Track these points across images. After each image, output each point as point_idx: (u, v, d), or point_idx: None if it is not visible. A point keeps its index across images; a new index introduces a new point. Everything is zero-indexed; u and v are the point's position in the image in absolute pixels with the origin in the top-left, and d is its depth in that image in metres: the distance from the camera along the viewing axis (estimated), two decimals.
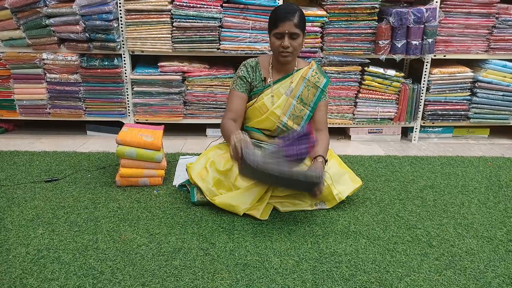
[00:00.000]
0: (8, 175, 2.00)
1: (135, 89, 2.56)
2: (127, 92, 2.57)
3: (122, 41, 2.48)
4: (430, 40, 2.51)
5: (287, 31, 1.68)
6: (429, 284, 1.29)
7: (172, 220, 1.62)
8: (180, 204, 1.75)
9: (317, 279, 1.29)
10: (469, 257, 1.44)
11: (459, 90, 2.67)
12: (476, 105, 2.69)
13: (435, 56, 2.60)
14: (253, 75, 1.83)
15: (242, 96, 1.82)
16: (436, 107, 2.70)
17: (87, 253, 1.39)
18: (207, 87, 2.58)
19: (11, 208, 1.68)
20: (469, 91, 2.68)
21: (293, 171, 1.49)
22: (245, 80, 1.82)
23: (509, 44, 2.61)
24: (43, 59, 2.46)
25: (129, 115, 2.63)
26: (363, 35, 2.53)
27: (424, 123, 2.75)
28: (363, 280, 1.29)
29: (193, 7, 2.39)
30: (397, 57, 2.54)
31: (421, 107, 2.69)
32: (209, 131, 2.75)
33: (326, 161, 1.71)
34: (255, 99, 1.84)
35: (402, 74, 2.62)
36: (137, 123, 2.61)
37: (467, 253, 1.46)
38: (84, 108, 2.59)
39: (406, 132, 2.84)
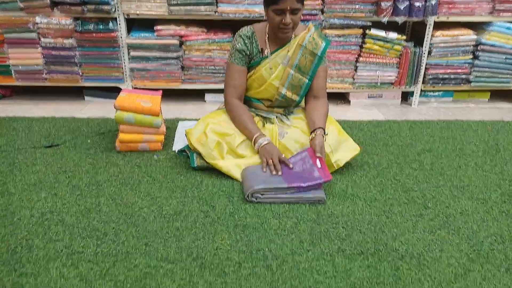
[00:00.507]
0: (8, 141, 2.01)
1: (131, 54, 2.52)
2: (123, 57, 2.53)
3: (117, 3, 2.41)
4: (433, 2, 2.44)
5: (288, 7, 1.59)
6: (423, 243, 1.33)
7: (173, 184, 1.64)
8: (180, 169, 1.77)
9: (314, 239, 1.33)
10: (463, 218, 1.47)
11: (461, 53, 2.63)
12: (477, 68, 2.65)
13: (438, 18, 2.54)
14: (250, 47, 1.77)
15: (243, 70, 1.78)
16: (437, 71, 2.66)
17: (90, 216, 1.42)
18: (205, 52, 2.54)
19: (13, 173, 1.70)
20: (472, 54, 2.64)
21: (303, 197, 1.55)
22: (243, 53, 1.76)
23: None
24: (37, 23, 2.40)
25: (126, 81, 2.60)
26: None
27: (424, 87, 2.72)
28: (358, 239, 1.33)
29: None
30: (400, 19, 2.48)
31: (422, 71, 2.66)
32: (207, 97, 2.74)
33: (325, 132, 1.71)
34: (253, 71, 1.80)
35: (404, 37, 2.56)
36: (134, 88, 2.59)
37: (461, 214, 1.50)
38: (80, 74, 2.56)
39: (406, 97, 2.82)
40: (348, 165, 1.79)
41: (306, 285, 1.14)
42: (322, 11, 2.50)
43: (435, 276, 1.19)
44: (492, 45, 2.58)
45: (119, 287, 1.11)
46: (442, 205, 1.55)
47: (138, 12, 2.42)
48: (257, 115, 1.87)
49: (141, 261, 1.21)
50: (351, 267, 1.21)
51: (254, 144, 1.70)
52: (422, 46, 2.60)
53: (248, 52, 1.77)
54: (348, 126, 2.28)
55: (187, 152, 1.85)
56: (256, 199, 1.52)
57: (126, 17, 2.45)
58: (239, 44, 1.76)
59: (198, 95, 2.74)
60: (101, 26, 2.43)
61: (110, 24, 2.43)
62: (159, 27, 2.47)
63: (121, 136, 1.88)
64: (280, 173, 1.60)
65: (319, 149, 1.62)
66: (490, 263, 1.25)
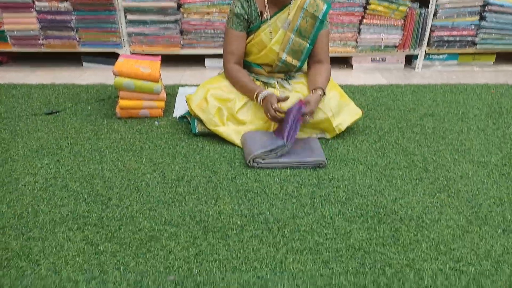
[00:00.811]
0: (8, 108, 2.00)
1: (128, 17, 2.45)
2: (120, 20, 2.47)
3: None
4: None
5: None
6: (422, 205, 1.35)
7: (174, 150, 1.65)
8: (181, 135, 1.77)
9: (315, 202, 1.35)
10: (463, 181, 1.48)
11: (468, 15, 2.55)
12: (484, 30, 2.58)
13: None
14: (248, 11, 1.70)
15: (241, 35, 1.73)
16: (442, 33, 2.60)
17: (93, 181, 1.44)
18: (204, 15, 2.47)
19: (15, 140, 1.70)
20: (479, 15, 2.56)
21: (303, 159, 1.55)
22: (241, 18, 1.70)
23: None
24: None
25: (124, 46, 2.55)
26: None
27: (429, 50, 2.67)
28: (359, 203, 1.35)
29: None
30: None
31: (427, 33, 2.59)
32: (207, 62, 2.69)
33: (324, 93, 1.69)
34: (252, 35, 1.75)
35: None
36: (133, 54, 2.54)
37: (461, 177, 1.51)
38: (77, 39, 2.51)
39: (410, 60, 2.77)
40: (349, 129, 1.79)
41: (307, 246, 1.17)
42: None
43: (433, 237, 1.21)
44: (500, 6, 2.49)
45: (125, 249, 1.14)
46: (443, 168, 1.56)
47: None
48: (257, 80, 1.85)
49: (146, 224, 1.24)
50: (351, 229, 1.24)
51: (257, 101, 1.68)
52: (427, 7, 2.52)
53: (246, 16, 1.71)
54: (350, 91, 2.25)
55: (188, 118, 1.85)
56: (257, 164, 1.52)
57: None
58: (237, 8, 1.70)
59: (197, 60, 2.69)
60: None
61: None
62: None
63: (121, 102, 1.86)
64: (282, 115, 1.60)
65: (306, 101, 1.60)
66: (488, 225, 1.27)
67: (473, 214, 1.32)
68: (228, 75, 1.78)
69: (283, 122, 1.60)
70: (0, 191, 1.38)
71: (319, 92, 1.66)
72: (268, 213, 1.30)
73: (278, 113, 1.61)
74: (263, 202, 1.35)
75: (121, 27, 2.49)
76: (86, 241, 1.17)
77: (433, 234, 1.22)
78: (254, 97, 1.68)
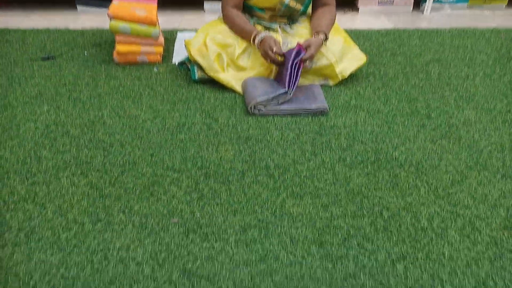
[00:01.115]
0: (3, 53, 1.95)
1: None
2: None
3: None
4: None
5: None
6: (423, 152, 1.35)
7: (174, 96, 1.63)
8: (181, 81, 1.73)
9: (316, 149, 1.35)
10: (466, 128, 1.48)
11: None
12: None
13: None
14: None
15: None
16: None
17: (94, 128, 1.44)
18: None
19: (12, 86, 1.68)
20: None
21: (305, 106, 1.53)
22: None
23: None
24: None
25: None
26: None
27: None
28: (359, 149, 1.36)
29: None
30: None
31: None
32: (206, 6, 2.58)
33: (327, 38, 1.63)
34: None
35: None
36: None
37: (464, 123, 1.50)
38: None
39: (418, 3, 2.64)
40: (353, 76, 1.75)
41: (307, 191, 1.19)
42: None
43: (432, 182, 1.23)
44: None
45: (128, 193, 1.16)
46: (446, 115, 1.54)
47: None
48: (259, 24, 1.77)
49: (148, 170, 1.25)
50: (351, 174, 1.25)
51: (254, 43, 1.63)
52: None
53: None
54: (355, 36, 2.17)
55: (188, 64, 1.80)
56: (258, 111, 1.51)
57: None
58: None
59: (196, 3, 2.58)
60: None
61: None
62: None
63: (118, 47, 1.81)
64: (281, 58, 1.57)
65: (307, 45, 1.55)
66: (487, 170, 1.28)
67: (473, 160, 1.32)
68: (225, 19, 1.71)
69: (283, 68, 1.56)
70: (1, 137, 1.38)
71: (321, 36, 1.60)
72: (269, 159, 1.31)
73: (277, 56, 1.56)
74: (264, 149, 1.35)
75: None
76: (90, 185, 1.19)
77: (432, 179, 1.24)
78: (251, 39, 1.62)
